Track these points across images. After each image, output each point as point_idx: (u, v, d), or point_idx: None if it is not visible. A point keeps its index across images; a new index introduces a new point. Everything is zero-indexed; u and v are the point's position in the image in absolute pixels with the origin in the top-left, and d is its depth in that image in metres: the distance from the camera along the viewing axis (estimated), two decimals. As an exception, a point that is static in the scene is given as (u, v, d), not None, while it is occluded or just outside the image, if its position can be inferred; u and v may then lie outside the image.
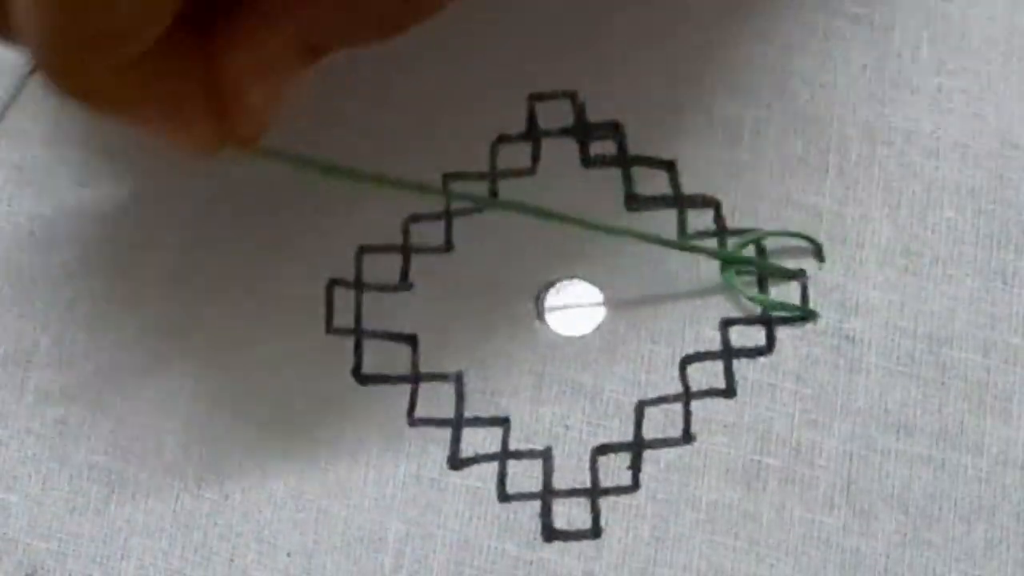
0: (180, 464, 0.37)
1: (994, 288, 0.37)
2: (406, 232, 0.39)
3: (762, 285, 0.38)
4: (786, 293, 0.38)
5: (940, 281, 0.38)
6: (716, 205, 0.39)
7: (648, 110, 0.39)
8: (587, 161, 0.40)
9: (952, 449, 0.36)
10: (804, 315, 0.37)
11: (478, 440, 0.37)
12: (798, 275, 0.38)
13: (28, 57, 0.29)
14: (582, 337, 0.38)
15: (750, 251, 0.38)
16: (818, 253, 0.38)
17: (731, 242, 0.38)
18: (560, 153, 0.40)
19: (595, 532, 0.36)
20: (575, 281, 0.38)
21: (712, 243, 0.38)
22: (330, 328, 0.38)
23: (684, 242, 0.38)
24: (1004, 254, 0.38)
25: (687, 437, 0.37)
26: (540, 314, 0.38)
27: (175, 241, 0.39)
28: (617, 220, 0.39)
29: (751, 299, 0.38)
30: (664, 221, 0.39)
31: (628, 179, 0.39)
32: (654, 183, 0.39)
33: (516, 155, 0.40)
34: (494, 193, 0.39)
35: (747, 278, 0.38)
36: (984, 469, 0.36)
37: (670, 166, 0.39)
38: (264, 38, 0.31)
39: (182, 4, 0.29)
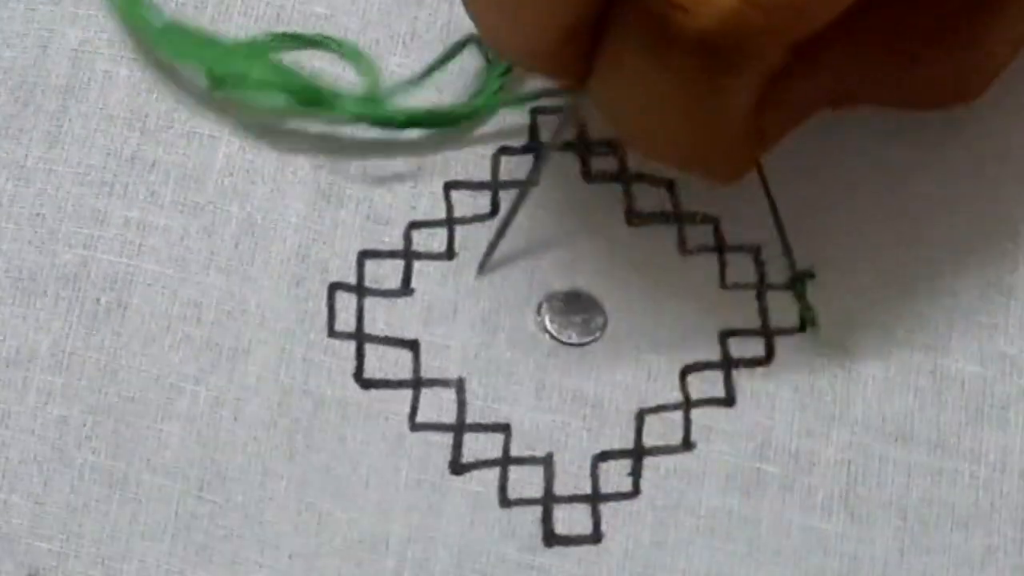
0: (182, 466, 0.37)
1: (991, 299, 0.39)
2: (408, 238, 0.40)
3: (760, 295, 0.39)
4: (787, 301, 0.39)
5: (937, 292, 0.39)
6: (715, 222, 0.39)
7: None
8: (588, 176, 0.40)
9: (949, 457, 0.37)
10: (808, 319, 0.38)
11: (479, 446, 0.38)
12: (795, 281, 0.38)
13: None
14: (583, 345, 0.38)
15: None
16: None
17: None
18: (561, 167, 0.40)
19: (596, 537, 0.37)
20: (576, 290, 0.39)
21: (713, 258, 0.39)
22: (332, 332, 0.39)
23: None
24: (1000, 266, 0.39)
25: (687, 444, 0.38)
26: (541, 322, 0.39)
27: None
28: (618, 234, 0.39)
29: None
30: (664, 236, 0.39)
31: (628, 195, 0.40)
32: (654, 200, 0.40)
33: (517, 168, 0.40)
34: (495, 204, 0.40)
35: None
36: (981, 477, 0.37)
37: (670, 184, 0.40)
38: (807, 85, 0.35)
39: None
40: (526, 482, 0.37)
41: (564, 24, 0.32)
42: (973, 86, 0.37)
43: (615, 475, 0.37)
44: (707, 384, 0.38)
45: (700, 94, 0.32)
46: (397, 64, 0.41)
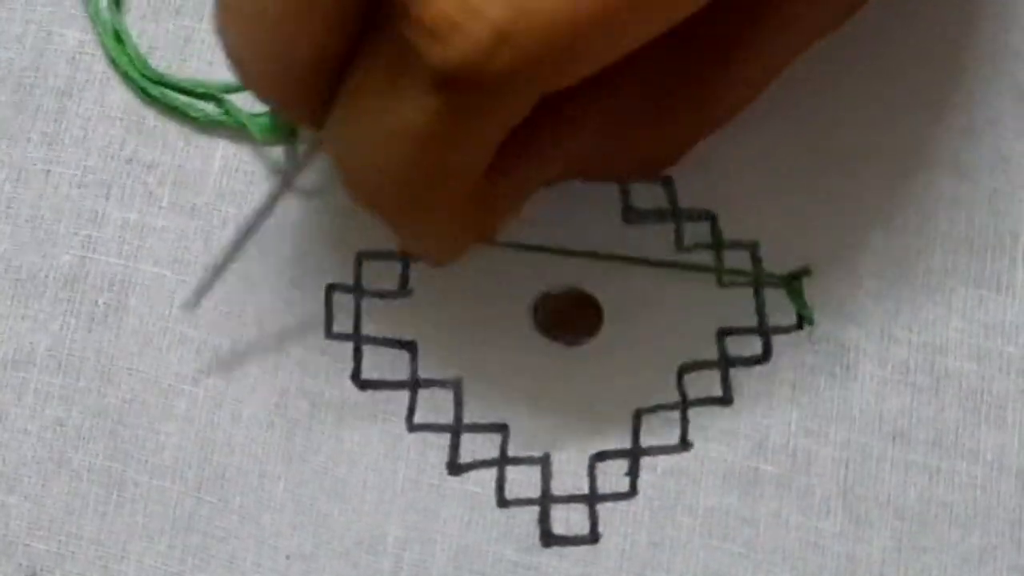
0: (180, 467, 0.37)
1: (988, 297, 0.38)
2: (405, 239, 0.40)
3: (757, 293, 0.39)
4: (784, 299, 0.39)
5: (934, 290, 0.38)
6: (713, 218, 0.39)
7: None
8: (584, 174, 0.40)
9: (947, 456, 0.37)
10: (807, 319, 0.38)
11: (477, 446, 0.38)
12: (791, 280, 0.38)
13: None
14: (580, 345, 0.38)
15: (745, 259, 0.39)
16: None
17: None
18: (558, 164, 0.40)
19: (593, 537, 0.37)
20: (572, 289, 0.39)
21: (709, 256, 0.39)
22: (329, 333, 0.39)
23: (682, 259, 0.39)
24: (997, 264, 0.39)
25: (684, 444, 0.37)
26: (538, 322, 0.39)
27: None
28: (615, 233, 0.39)
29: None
30: (661, 234, 0.39)
31: (625, 193, 0.40)
32: (651, 197, 0.40)
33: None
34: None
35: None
36: (979, 476, 0.37)
37: (667, 181, 0.40)
38: (535, 167, 0.34)
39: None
40: (523, 482, 0.37)
41: (318, 44, 0.30)
42: (671, 157, 0.38)
43: (612, 475, 0.37)
44: (704, 383, 0.38)
45: (435, 136, 0.29)
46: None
